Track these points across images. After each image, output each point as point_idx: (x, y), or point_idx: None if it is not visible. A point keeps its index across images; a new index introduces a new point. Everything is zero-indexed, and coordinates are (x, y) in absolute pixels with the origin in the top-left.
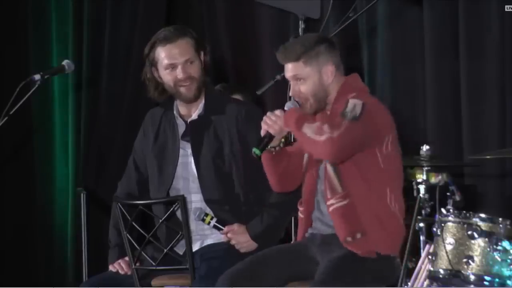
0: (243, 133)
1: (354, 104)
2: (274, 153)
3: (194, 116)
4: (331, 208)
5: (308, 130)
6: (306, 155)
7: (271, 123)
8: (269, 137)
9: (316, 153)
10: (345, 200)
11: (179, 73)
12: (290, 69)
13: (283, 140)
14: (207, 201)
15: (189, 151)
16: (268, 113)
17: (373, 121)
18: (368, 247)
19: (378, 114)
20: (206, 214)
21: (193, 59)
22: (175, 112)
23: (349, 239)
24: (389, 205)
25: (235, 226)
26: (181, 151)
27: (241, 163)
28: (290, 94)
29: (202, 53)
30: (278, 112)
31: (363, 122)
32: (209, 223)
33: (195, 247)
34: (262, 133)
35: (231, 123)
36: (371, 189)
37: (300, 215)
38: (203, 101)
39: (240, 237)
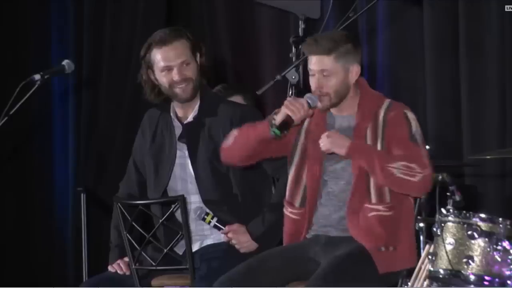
0: None
1: (414, 120)
2: (279, 138)
3: (190, 118)
4: (373, 214)
5: (396, 171)
6: (297, 155)
7: (295, 109)
8: (290, 120)
9: (407, 192)
10: (390, 211)
11: (174, 75)
12: (318, 62)
13: (286, 131)
14: (206, 202)
15: (187, 152)
16: (290, 99)
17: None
18: (392, 263)
19: None
20: (207, 214)
21: (189, 61)
22: (171, 113)
23: (382, 248)
24: (413, 214)
25: (236, 226)
26: (178, 152)
27: None
28: (312, 86)
29: (198, 55)
30: (301, 100)
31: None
32: (209, 222)
33: (195, 247)
34: (282, 115)
35: (226, 124)
36: (406, 203)
37: (293, 216)
38: (197, 103)
39: (241, 237)
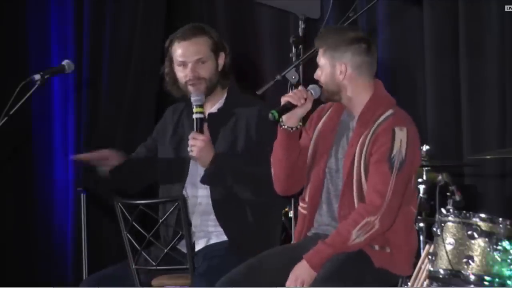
0: (262, 131)
1: (400, 140)
2: (292, 130)
3: (214, 109)
4: None
5: (359, 238)
6: (310, 151)
7: (295, 96)
8: (290, 105)
9: (379, 235)
10: None
11: (188, 71)
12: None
13: (300, 123)
14: (213, 197)
15: None
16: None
17: (416, 151)
18: (388, 262)
19: (417, 137)
20: (198, 106)
21: (206, 59)
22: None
23: (376, 247)
24: (413, 223)
25: (207, 137)
26: None
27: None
28: (314, 76)
29: (221, 55)
30: (299, 87)
31: (409, 161)
32: (195, 113)
33: (200, 245)
34: (283, 102)
35: (252, 119)
36: (404, 211)
37: (303, 211)
38: (224, 96)
39: (203, 146)
